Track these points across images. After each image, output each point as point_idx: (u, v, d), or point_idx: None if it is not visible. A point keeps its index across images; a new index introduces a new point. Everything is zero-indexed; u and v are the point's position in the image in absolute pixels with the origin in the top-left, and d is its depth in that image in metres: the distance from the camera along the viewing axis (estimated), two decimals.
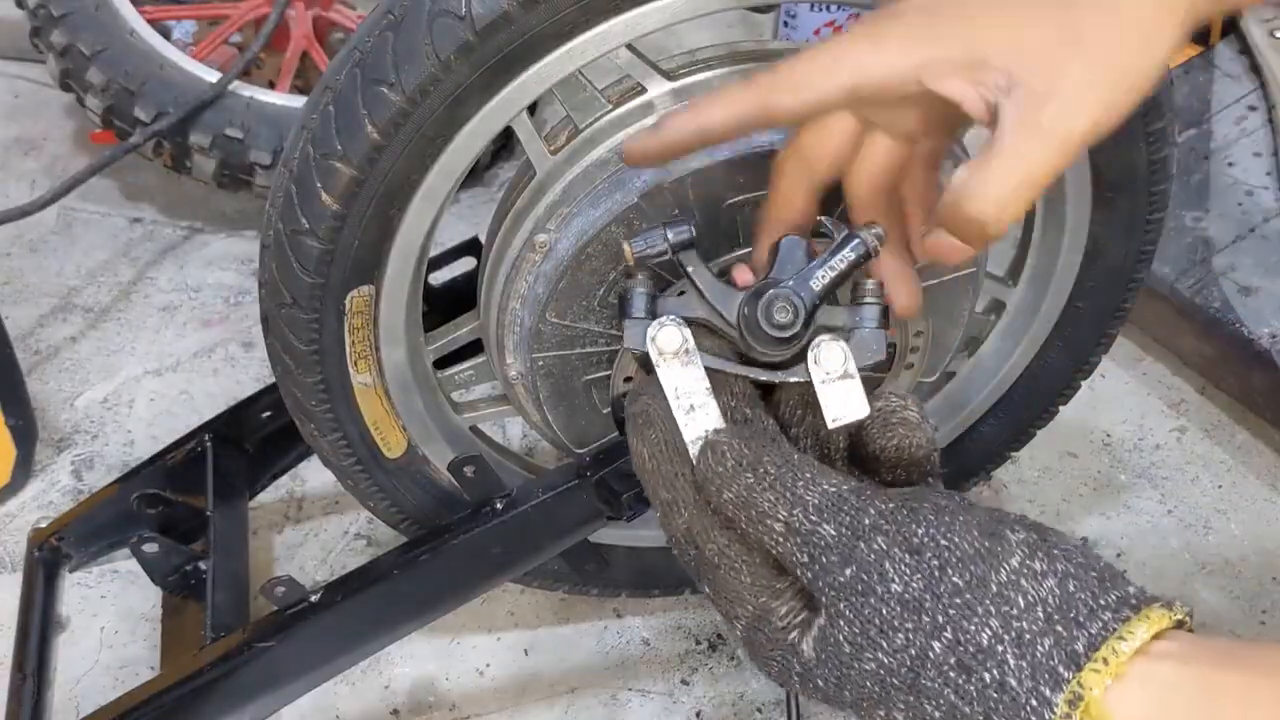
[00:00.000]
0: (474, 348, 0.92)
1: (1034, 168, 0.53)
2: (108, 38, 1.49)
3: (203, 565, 0.98)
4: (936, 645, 0.46)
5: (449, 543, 0.86)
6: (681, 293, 0.62)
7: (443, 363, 0.92)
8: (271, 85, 1.60)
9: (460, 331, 0.91)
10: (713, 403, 0.56)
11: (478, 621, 1.13)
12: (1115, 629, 0.45)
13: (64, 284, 1.53)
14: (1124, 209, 0.89)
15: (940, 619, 0.46)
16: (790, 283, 0.58)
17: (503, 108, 0.73)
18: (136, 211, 1.65)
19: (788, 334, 0.57)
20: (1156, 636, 0.45)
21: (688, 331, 0.57)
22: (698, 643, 1.12)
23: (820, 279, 0.58)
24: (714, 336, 0.60)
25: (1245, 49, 1.57)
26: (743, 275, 0.62)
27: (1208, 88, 1.54)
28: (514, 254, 0.81)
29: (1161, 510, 1.25)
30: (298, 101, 1.50)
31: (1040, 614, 0.46)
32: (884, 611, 0.48)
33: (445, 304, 0.98)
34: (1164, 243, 0.96)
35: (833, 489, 0.51)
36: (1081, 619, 0.45)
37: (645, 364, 0.82)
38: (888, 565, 0.48)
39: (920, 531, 0.48)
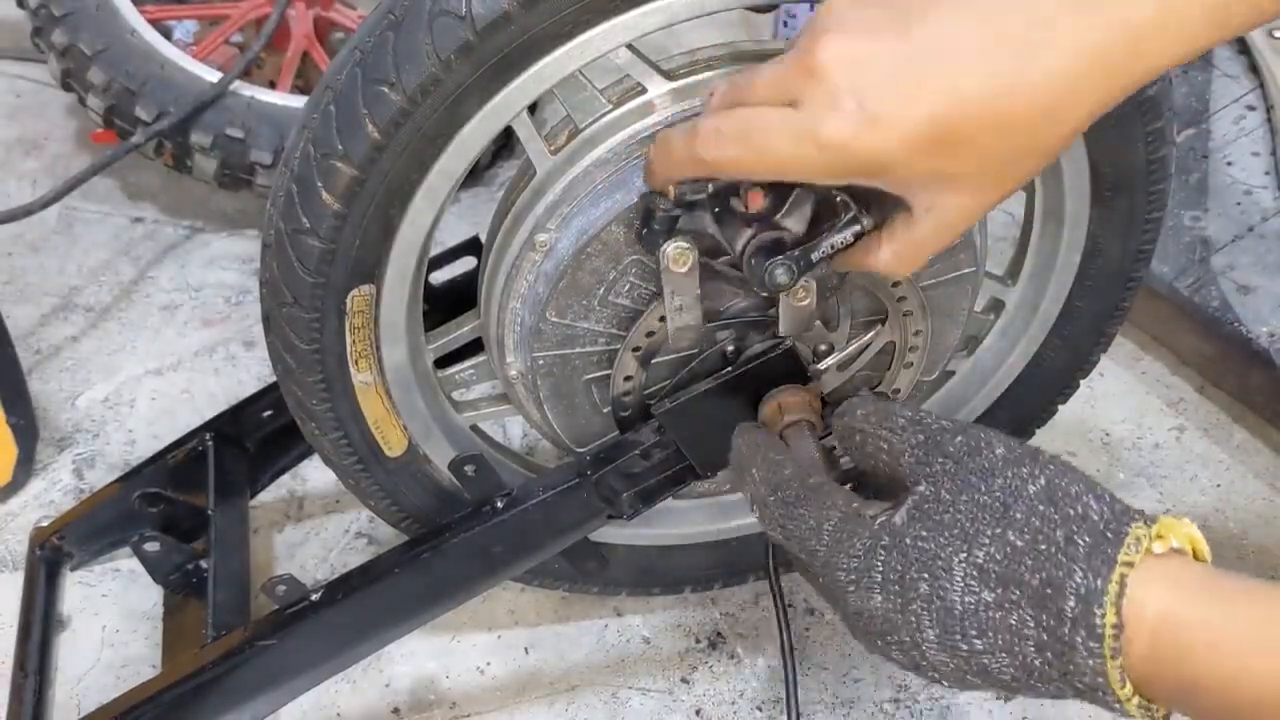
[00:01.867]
0: (474, 347, 0.92)
1: (924, 249, 0.65)
2: (109, 38, 1.49)
3: (204, 564, 0.98)
4: (1031, 487, 0.57)
5: (450, 541, 0.86)
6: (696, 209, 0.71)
7: (443, 362, 0.92)
8: (272, 85, 1.60)
9: (461, 331, 0.91)
10: (699, 310, 0.77)
11: (478, 620, 1.13)
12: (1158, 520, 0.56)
13: (65, 283, 1.53)
14: (1123, 208, 0.89)
15: (1036, 471, 0.58)
16: (796, 253, 0.70)
17: (503, 107, 0.73)
18: (138, 211, 1.66)
19: (783, 290, 0.72)
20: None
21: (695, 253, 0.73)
22: (698, 641, 1.12)
23: (820, 253, 0.70)
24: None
25: (1244, 49, 1.57)
26: (755, 201, 0.70)
27: (1206, 87, 1.54)
28: (514, 253, 0.81)
29: (1160, 509, 1.24)
30: (298, 101, 1.50)
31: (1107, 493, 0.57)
32: (986, 464, 0.59)
33: (446, 303, 0.98)
34: (1163, 242, 0.96)
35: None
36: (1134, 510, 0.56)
37: (646, 360, 0.83)
38: (992, 436, 0.61)
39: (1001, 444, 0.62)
